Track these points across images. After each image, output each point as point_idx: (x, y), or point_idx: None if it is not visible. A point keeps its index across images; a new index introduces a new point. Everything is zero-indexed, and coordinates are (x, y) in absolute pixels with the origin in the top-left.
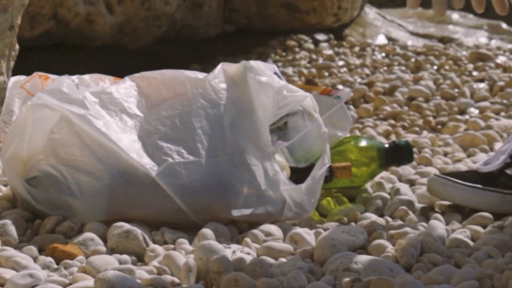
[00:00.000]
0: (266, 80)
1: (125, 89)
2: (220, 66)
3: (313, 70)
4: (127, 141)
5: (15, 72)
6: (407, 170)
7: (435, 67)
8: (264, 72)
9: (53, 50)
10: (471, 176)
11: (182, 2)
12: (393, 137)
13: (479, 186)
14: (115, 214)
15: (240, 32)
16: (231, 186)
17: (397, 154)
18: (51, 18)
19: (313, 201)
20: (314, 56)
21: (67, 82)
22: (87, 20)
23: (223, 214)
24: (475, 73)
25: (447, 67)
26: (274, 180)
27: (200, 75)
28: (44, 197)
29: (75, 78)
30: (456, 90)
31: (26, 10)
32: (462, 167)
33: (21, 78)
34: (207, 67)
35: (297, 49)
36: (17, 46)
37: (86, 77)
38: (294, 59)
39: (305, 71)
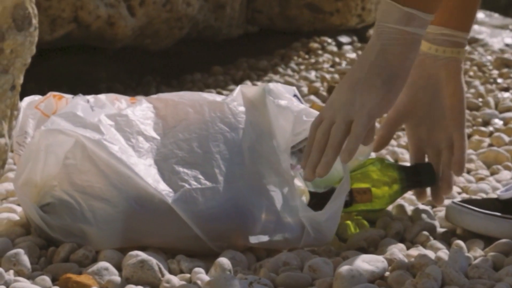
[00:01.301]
0: (286, 103)
1: (141, 111)
2: (238, 89)
3: (336, 76)
4: (143, 166)
5: (36, 74)
6: (429, 190)
7: None
8: (283, 95)
9: (74, 51)
10: (490, 203)
11: (204, 3)
12: None
13: (497, 214)
14: (131, 242)
15: (263, 33)
16: (249, 213)
17: (419, 176)
18: (71, 21)
19: (333, 228)
20: (337, 60)
21: (81, 105)
22: (108, 22)
23: (241, 241)
24: (499, 81)
25: (471, 73)
26: (293, 206)
27: (218, 97)
28: (58, 224)
29: (90, 98)
30: (480, 99)
31: (46, 13)
32: (485, 186)
33: (36, 98)
34: (229, 69)
35: (320, 52)
36: (19, 105)
37: (102, 96)
38: (317, 63)
39: (327, 76)
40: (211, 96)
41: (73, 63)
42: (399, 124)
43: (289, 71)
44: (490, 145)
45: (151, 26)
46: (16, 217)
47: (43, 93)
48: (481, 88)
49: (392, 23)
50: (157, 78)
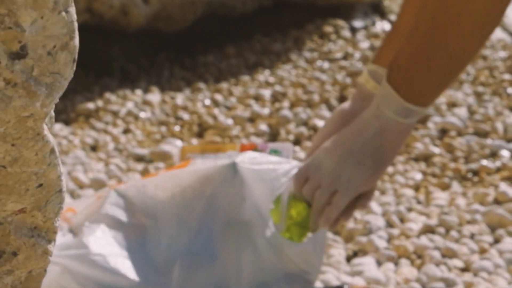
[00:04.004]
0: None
1: (112, 204)
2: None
3: (348, 80)
4: (137, 270)
5: None
6: (431, 270)
7: (471, 78)
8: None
9: (90, 28)
10: None
11: None
12: (422, 193)
13: None
14: None
15: (277, 8)
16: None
17: None
18: (85, 11)
19: (321, 256)
20: (350, 50)
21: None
22: (122, 11)
23: None
24: (510, 90)
25: (482, 78)
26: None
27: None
28: None
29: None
30: (489, 122)
31: None
32: (487, 264)
33: None
34: (243, 50)
35: (333, 36)
36: None
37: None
38: (329, 52)
39: (339, 76)
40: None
41: (88, 41)
42: None
43: (302, 62)
44: (496, 200)
45: (164, 11)
46: None
47: None
48: (491, 110)
49: (391, 113)
50: (170, 56)
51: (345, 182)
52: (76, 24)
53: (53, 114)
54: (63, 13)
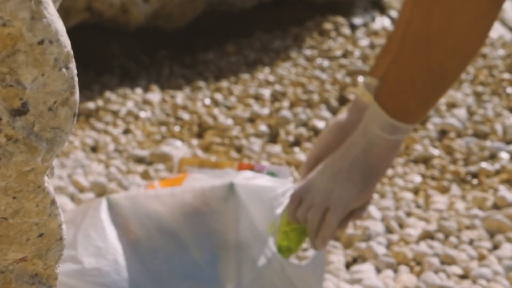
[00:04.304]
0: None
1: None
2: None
3: (347, 80)
4: (131, 285)
5: None
6: (430, 278)
7: (470, 77)
8: (250, 192)
9: (89, 26)
10: None
11: None
12: (422, 197)
13: None
14: None
15: (277, 4)
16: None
17: None
18: (85, 10)
19: (321, 278)
20: (349, 48)
21: None
22: (121, 10)
23: None
24: (509, 90)
25: (482, 77)
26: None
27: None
28: None
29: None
30: (488, 122)
31: (60, 5)
32: (486, 272)
33: None
34: (242, 48)
35: (333, 33)
36: None
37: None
38: (329, 49)
39: (339, 75)
40: (186, 196)
41: (87, 37)
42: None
43: (302, 60)
44: (494, 204)
45: (164, 10)
46: None
47: None
48: (490, 111)
49: (377, 129)
50: (170, 54)
51: (336, 199)
52: (76, 79)
53: (54, 165)
54: (64, 70)
